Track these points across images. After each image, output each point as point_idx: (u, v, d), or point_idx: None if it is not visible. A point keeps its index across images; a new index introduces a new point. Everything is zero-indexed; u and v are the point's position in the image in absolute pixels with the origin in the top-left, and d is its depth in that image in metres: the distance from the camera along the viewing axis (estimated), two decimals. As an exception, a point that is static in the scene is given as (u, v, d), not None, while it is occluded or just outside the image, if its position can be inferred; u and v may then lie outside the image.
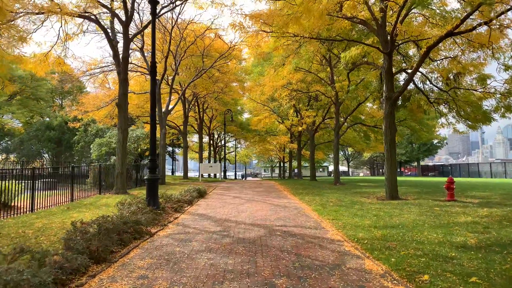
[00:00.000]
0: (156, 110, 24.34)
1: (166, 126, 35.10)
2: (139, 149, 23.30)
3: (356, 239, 7.44)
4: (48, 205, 11.96)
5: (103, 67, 22.73)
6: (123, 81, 16.17)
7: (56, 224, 8.79)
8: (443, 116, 17.49)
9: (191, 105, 33.96)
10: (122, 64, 16.12)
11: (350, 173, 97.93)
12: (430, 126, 26.20)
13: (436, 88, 16.77)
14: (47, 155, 37.02)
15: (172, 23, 22.69)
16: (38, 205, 11.48)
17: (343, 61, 16.50)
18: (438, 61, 16.18)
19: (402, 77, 21.48)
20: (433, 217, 9.90)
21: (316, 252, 6.53)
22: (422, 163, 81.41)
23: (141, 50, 23.59)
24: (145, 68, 23.78)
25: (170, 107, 25.65)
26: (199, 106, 38.74)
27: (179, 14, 21.56)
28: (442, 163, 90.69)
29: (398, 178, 45.06)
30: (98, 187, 16.21)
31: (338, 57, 20.19)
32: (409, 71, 16.02)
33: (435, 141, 73.03)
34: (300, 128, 28.63)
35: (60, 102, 40.37)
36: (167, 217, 10.52)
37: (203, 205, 13.43)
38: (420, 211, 11.11)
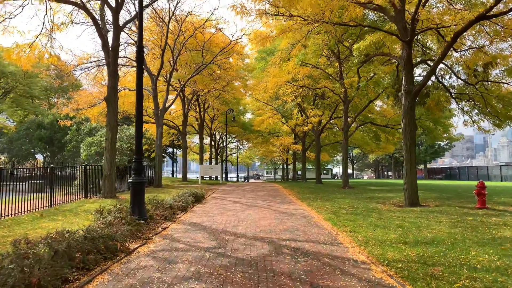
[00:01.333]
0: (153, 107, 22.89)
1: (165, 126, 33.61)
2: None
3: (386, 261, 5.84)
4: (20, 211, 10.40)
5: (96, 61, 21.20)
6: (113, 74, 14.63)
7: (14, 238, 7.22)
8: (466, 113, 15.84)
9: (191, 104, 32.41)
10: (111, 55, 14.59)
11: (354, 175, 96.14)
12: (446, 126, 24.57)
13: (460, 82, 15.17)
14: (40, 155, 35.55)
15: (169, 14, 21.16)
16: (7, 211, 9.91)
17: (355, 53, 14.91)
18: (462, 52, 14.55)
19: (418, 71, 19.88)
20: (471, 230, 8.28)
21: (337, 281, 4.94)
22: (428, 165, 79.55)
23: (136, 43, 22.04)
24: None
25: (168, 104, 24.08)
26: (200, 105, 37.18)
27: (177, 4, 20.09)
28: (449, 166, 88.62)
29: (401, 181, 43.37)
30: (85, 191, 14.66)
31: (349, 49, 18.60)
32: (430, 63, 14.42)
33: (443, 143, 71.17)
34: (305, 128, 27.02)
35: (55, 101, 38.86)
36: (154, 227, 8.94)
37: (199, 212, 11.85)
38: (451, 221, 9.48)
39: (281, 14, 12.26)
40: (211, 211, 12.10)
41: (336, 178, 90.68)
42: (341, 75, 21.92)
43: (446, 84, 16.46)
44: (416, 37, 13.54)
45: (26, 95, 33.92)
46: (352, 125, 24.21)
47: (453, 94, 15.14)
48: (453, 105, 18.60)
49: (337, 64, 21.89)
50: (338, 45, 20.71)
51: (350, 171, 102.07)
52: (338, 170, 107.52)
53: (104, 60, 20.94)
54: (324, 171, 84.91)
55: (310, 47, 18.00)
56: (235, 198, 16.56)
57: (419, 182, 40.92)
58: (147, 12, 23.09)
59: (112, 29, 14.81)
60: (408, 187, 13.16)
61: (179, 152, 57.87)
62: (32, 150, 34.34)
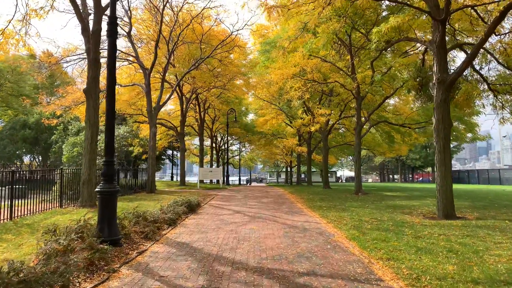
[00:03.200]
0: (146, 105, 20.81)
1: (163, 127, 31.57)
2: (125, 149, 19.73)
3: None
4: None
5: (83, 53, 19.14)
6: (94, 62, 12.57)
7: None
8: (503, 108, 13.65)
9: (190, 104, 30.35)
10: (92, 40, 12.53)
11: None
12: (472, 125, 22.35)
13: (496, 72, 13.03)
14: (28, 157, 33.45)
15: (164, 1, 19.10)
16: None
17: (374, 37, 12.76)
18: (501, 36, 12.40)
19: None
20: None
21: None
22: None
23: (129, 35, 20.00)
24: (132, 56, 20.20)
25: (163, 102, 22.00)
26: (200, 105, 35.13)
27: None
28: (458, 169, 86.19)
29: (411, 185, 40.84)
30: (60, 198, 12.57)
31: (366, 36, 16.47)
32: (465, 49, 12.29)
33: (452, 145, 68.81)
34: (312, 128, 24.85)
35: (47, 100, 36.77)
36: (128, 250, 6.83)
37: (191, 226, 9.72)
38: (515, 242, 7.32)
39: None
40: (206, 225, 9.96)
41: (340, 181, 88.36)
42: (353, 69, 19.78)
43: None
44: (449, 17, 11.39)
45: (15, 94, 31.89)
46: (364, 125, 22.01)
47: (492, 85, 12.99)
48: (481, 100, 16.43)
49: (348, 57, 19.77)
50: (351, 34, 18.59)
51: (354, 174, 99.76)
52: (342, 173, 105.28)
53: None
54: (328, 174, 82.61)
55: (320, 35, 15.89)
56: (235, 207, 14.43)
57: (429, 186, 38.56)
58: (140, 2, 21.05)
59: (93, 11, 12.74)
60: (442, 195, 11.00)
61: (179, 155, 55.83)
62: (18, 152, 32.21)
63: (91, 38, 12.49)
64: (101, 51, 19.14)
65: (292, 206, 14.57)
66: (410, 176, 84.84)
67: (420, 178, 79.63)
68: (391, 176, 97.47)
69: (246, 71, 31.48)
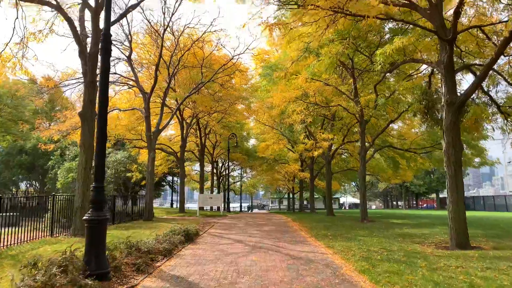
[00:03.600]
0: (145, 129, 20.42)
1: (163, 152, 31.09)
2: (123, 175, 19.19)
3: None
4: None
5: (82, 77, 18.93)
6: (90, 84, 12.23)
7: None
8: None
9: (190, 128, 30.01)
10: (89, 62, 12.24)
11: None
12: (480, 149, 21.78)
13: (505, 94, 12.60)
14: (24, 183, 32.77)
15: (164, 26, 19.03)
16: None
17: (379, 59, 12.46)
18: (510, 57, 12.06)
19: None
20: None
21: None
22: (440, 195, 75.84)
23: (129, 59, 19.85)
24: (132, 80, 19.98)
25: (162, 126, 21.60)
26: (201, 130, 34.79)
27: (172, 14, 17.90)
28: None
29: (417, 212, 39.76)
30: (50, 227, 11.95)
31: (369, 57, 16.17)
32: (472, 69, 11.92)
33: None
34: (315, 153, 24.31)
35: (46, 125, 36.42)
36: (117, 286, 6.22)
37: (188, 257, 9.05)
38: (543, 277, 6.65)
39: (292, 4, 9.82)
40: (204, 255, 9.29)
41: (343, 208, 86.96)
42: (356, 93, 19.47)
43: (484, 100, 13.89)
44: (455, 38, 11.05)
45: (14, 119, 31.59)
46: (368, 150, 21.46)
47: (503, 107, 12.56)
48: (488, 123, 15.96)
49: (351, 80, 19.49)
50: (353, 57, 18.35)
51: (358, 200, 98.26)
52: (345, 199, 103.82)
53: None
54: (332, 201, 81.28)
55: (322, 58, 15.63)
56: (236, 235, 13.73)
57: (435, 213, 37.49)
58: (142, 26, 21.04)
59: (91, 34, 12.52)
60: (455, 223, 10.35)
61: (179, 181, 55.08)
62: (14, 178, 31.53)
63: (88, 60, 12.20)
64: (98, 73, 18.98)
65: (295, 235, 13.87)
66: (415, 202, 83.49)
67: (425, 205, 78.29)
68: (394, 202, 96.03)
69: (248, 95, 31.31)
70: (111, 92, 22.49)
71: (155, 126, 20.75)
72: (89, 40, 12.93)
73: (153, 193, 54.92)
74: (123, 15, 14.33)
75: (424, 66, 18.88)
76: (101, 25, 13.06)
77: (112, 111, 21.20)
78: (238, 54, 21.01)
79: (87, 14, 13.62)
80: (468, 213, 33.07)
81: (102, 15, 13.27)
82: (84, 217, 6.65)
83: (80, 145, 12.13)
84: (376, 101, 19.06)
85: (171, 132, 42.34)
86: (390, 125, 22.72)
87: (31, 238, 10.99)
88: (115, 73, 19.61)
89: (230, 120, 34.29)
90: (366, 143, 20.90)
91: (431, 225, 17.40)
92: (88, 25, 14.59)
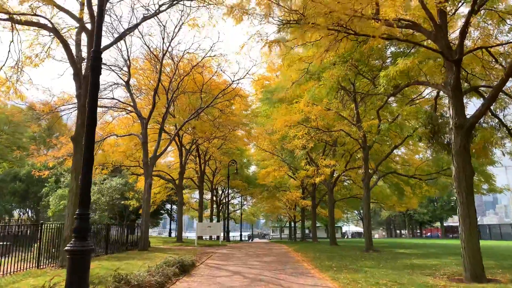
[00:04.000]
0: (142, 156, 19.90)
1: (161, 180, 30.44)
2: (118, 202, 18.52)
3: None
4: None
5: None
6: (83, 108, 11.81)
7: None
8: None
9: (190, 155, 29.52)
10: (83, 85, 11.88)
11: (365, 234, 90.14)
12: (488, 175, 21.09)
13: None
14: (17, 211, 31.90)
15: (163, 50, 18.89)
16: None
17: (382, 81, 12.11)
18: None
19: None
20: None
21: None
22: (445, 223, 74.25)
23: (127, 84, 19.59)
24: (130, 105, 19.66)
25: (160, 152, 21.11)
26: (200, 156, 34.28)
27: (172, 39, 17.79)
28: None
29: (422, 241, 38.49)
30: (37, 257, 11.23)
31: (372, 80, 15.82)
32: (479, 91, 11.54)
33: (459, 199, 66.66)
34: (317, 180, 23.65)
35: (44, 152, 35.86)
36: (97, 327, 5.51)
37: (181, 292, 8.33)
38: None
39: (293, 22, 9.51)
40: (199, 290, 8.57)
41: (346, 237, 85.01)
42: (359, 118, 19.08)
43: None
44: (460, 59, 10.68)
45: (11, 145, 31.11)
46: (372, 177, 20.79)
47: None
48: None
49: (353, 105, 19.15)
50: (355, 82, 18.07)
51: (360, 229, 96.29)
52: (347, 228, 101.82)
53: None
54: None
55: (323, 83, 15.31)
56: (234, 267, 12.94)
57: (441, 242, 36.29)
58: (141, 52, 20.95)
59: (86, 55, 12.23)
60: (468, 253, 9.65)
61: (177, 209, 53.98)
62: (7, 206, 30.70)
63: (82, 83, 11.85)
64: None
65: (297, 266, 13.07)
66: (418, 231, 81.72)
67: (429, 234, 76.53)
68: (398, 231, 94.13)
69: (248, 121, 31.03)
70: (108, 118, 22.17)
71: (153, 152, 20.24)
72: (84, 63, 12.61)
73: (151, 222, 53.98)
74: (120, 38, 14.10)
75: (428, 90, 18.65)
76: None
77: (109, 136, 20.79)
78: (238, 79, 20.91)
79: (84, 38, 13.44)
80: (481, 242, 31.82)
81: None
82: (66, 248, 6.02)
83: (72, 170, 11.58)
84: (379, 126, 18.64)
85: (170, 159, 41.86)
86: (394, 151, 22.20)
87: (17, 270, 10.27)
88: (113, 98, 19.35)
89: (230, 147, 33.86)
90: (370, 170, 20.31)
91: (440, 255, 16.55)
92: (85, 49, 14.40)
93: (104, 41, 13.72)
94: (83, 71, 12.26)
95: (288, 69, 14.40)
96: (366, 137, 18.94)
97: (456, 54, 9.79)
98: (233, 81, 20.82)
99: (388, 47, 16.33)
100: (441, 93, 14.18)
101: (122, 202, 20.73)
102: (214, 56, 19.63)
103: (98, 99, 18.06)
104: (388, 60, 16.88)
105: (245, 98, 26.67)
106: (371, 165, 21.22)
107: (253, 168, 48.97)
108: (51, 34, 13.16)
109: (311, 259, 15.02)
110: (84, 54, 13.16)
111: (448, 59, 9.85)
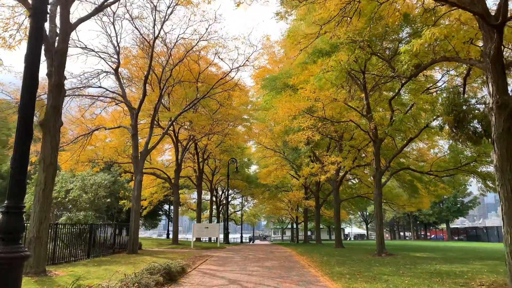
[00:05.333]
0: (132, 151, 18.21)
1: (155, 177, 28.70)
2: (104, 200, 16.83)
3: None
4: None
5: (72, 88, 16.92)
6: (56, 88, 10.12)
7: None
8: None
9: (186, 151, 27.81)
10: (55, 61, 10.19)
11: (368, 236, 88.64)
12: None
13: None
14: None
15: (154, 34, 17.16)
16: None
17: (404, 58, 10.43)
18: None
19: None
20: None
21: None
22: (451, 225, 72.20)
23: (116, 71, 17.91)
24: (120, 95, 17.96)
25: (151, 146, 19.38)
26: (198, 154, 32.58)
27: (164, 20, 15.89)
28: (475, 226, 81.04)
29: (432, 244, 36.67)
30: None
31: (388, 62, 14.04)
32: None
33: (466, 200, 64.78)
34: (322, 177, 21.91)
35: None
36: None
37: (161, 308, 6.61)
38: None
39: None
40: (184, 305, 6.86)
41: (348, 239, 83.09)
42: (369, 108, 17.35)
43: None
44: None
45: (-1, 142, 29.37)
46: (384, 173, 18.95)
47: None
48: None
49: (363, 95, 17.41)
50: (365, 69, 16.30)
51: (364, 231, 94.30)
52: (350, 230, 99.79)
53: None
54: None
55: (333, 63, 13.55)
56: (231, 273, 11.21)
57: (452, 244, 34.41)
58: (133, 39, 19.27)
59: (59, 28, 10.54)
60: (516, 260, 7.90)
61: (173, 208, 52.14)
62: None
63: (54, 59, 10.15)
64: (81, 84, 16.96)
65: (304, 273, 11.33)
66: (423, 233, 79.68)
67: (433, 236, 74.55)
68: (402, 233, 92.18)
69: (248, 117, 29.40)
70: (97, 111, 20.50)
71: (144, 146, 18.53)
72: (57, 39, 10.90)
73: (149, 223, 52.11)
74: (100, 8, 12.34)
75: (445, 78, 16.91)
76: (72, 19, 11.17)
77: (97, 129, 19.10)
78: (238, 67, 19.03)
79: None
80: (488, 245, 30.06)
81: (72, 8, 11.43)
82: (-13, 255, 4.30)
83: (39, 160, 9.88)
84: (392, 117, 16.95)
85: (167, 157, 40.20)
86: (405, 147, 20.36)
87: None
88: (100, 87, 17.60)
89: (230, 144, 32.14)
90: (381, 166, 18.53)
91: (465, 260, 14.77)
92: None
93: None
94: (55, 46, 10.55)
95: (293, 48, 12.69)
96: (377, 129, 17.21)
97: (498, 18, 8.10)
98: (232, 69, 19.12)
99: (404, 26, 14.59)
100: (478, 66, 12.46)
101: (108, 200, 19.04)
102: (210, 39, 17.91)
103: (84, 88, 16.27)
104: (400, 45, 15.15)
105: (245, 91, 24.98)
106: (382, 161, 19.48)
107: (254, 168, 47.33)
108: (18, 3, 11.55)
109: (318, 264, 13.29)
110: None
111: (489, 23, 8.14)
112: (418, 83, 17.56)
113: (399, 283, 8.90)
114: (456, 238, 64.63)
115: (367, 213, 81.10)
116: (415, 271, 11.18)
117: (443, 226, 73.48)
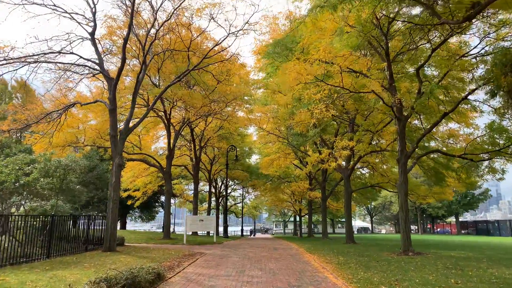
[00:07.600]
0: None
1: (152, 167, 25.99)
2: (72, 186, 14.12)
3: None
4: None
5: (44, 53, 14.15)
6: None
7: None
8: None
9: (179, 134, 25.04)
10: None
11: (372, 229, 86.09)
12: None
13: None
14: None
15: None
16: None
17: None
18: None
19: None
20: None
21: None
22: (460, 218, 69.46)
23: (92, 36, 15.08)
24: (95, 63, 15.14)
25: (133, 124, 16.58)
26: (195, 141, 29.81)
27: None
28: (485, 219, 78.25)
29: (444, 238, 34.06)
30: None
31: (436, 13, 11.15)
32: None
33: (477, 192, 61.91)
34: (332, 165, 19.13)
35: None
36: None
37: None
38: None
39: None
40: None
41: (358, 232, 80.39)
42: (392, 79, 14.48)
43: None
44: None
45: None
46: (410, 156, 16.00)
47: None
48: None
49: (384, 64, 14.53)
50: (388, 32, 13.46)
51: (368, 224, 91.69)
52: (353, 223, 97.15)
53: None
54: (339, 225, 75.06)
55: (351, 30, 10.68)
56: (224, 280, 8.45)
57: (464, 239, 31.77)
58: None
59: None
60: None
61: (173, 201, 49.45)
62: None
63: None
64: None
65: (320, 279, 8.58)
66: (429, 226, 76.93)
67: (439, 229, 71.94)
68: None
69: (249, 98, 26.59)
70: (73, 85, 17.69)
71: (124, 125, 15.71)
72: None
73: (146, 215, 49.43)
74: None
75: (481, 45, 13.97)
76: None
77: (72, 106, 16.30)
78: (236, 31, 16.15)
79: None
80: (508, 240, 27.04)
81: None
82: None
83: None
84: (421, 89, 14.12)
85: (162, 145, 37.48)
86: (438, 124, 17.22)
87: None
88: (72, 53, 14.73)
89: (230, 130, 29.35)
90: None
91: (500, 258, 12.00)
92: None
93: None
94: None
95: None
96: (403, 104, 14.38)
97: None
98: (229, 33, 16.24)
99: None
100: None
101: (83, 188, 16.40)
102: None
103: (56, 57, 13.30)
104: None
105: (244, 66, 22.17)
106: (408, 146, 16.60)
107: (255, 158, 44.59)
108: None
109: (335, 267, 10.53)
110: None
111: None
112: (450, 49, 14.70)
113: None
114: (463, 232, 62.17)
115: (372, 206, 78.38)
116: (469, 278, 8.39)
117: (450, 219, 70.87)
